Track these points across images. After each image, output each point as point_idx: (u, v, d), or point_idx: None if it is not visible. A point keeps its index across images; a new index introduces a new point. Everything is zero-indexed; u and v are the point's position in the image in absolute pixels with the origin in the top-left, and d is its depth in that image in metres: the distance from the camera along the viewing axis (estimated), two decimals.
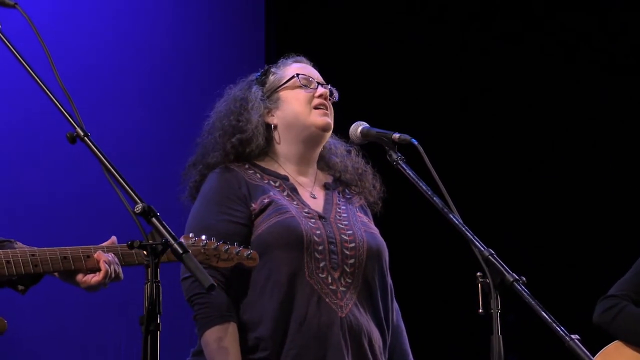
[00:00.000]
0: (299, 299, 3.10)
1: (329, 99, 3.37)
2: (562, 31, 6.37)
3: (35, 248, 2.85)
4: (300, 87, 3.34)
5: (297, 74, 3.35)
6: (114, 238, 2.92)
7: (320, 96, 3.33)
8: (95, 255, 2.83)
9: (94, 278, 2.83)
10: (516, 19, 6.41)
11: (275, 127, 3.34)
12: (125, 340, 5.00)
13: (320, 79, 3.41)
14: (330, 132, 3.37)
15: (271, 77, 3.39)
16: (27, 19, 2.64)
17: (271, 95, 3.35)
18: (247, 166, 3.30)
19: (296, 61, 3.44)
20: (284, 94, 3.35)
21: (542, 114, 6.36)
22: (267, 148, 3.35)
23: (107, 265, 2.81)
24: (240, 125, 3.29)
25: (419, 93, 6.29)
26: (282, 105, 3.33)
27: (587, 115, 6.28)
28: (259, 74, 3.43)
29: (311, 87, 3.35)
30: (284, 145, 3.34)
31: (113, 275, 2.83)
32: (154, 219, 2.36)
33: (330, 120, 3.34)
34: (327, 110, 3.33)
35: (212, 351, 3.05)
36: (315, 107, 3.32)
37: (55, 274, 2.88)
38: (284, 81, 3.36)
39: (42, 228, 4.84)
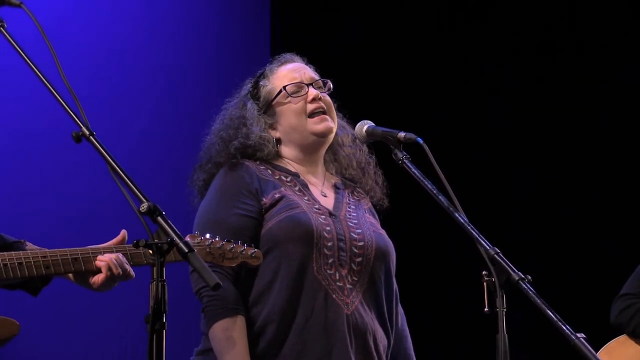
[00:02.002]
0: (306, 293, 3.12)
1: (324, 93, 3.36)
2: (568, 30, 6.36)
3: (46, 249, 2.85)
4: (290, 97, 3.33)
5: (284, 87, 3.33)
6: (124, 232, 2.92)
7: (313, 100, 3.32)
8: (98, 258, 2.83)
9: (100, 277, 2.83)
10: (521, 17, 6.40)
11: (279, 139, 3.34)
12: (130, 339, 5.01)
13: (310, 76, 3.38)
14: (333, 133, 3.36)
15: (262, 90, 3.37)
16: (32, 18, 2.65)
17: (267, 109, 3.35)
18: (258, 162, 3.31)
19: (282, 63, 3.41)
20: (278, 108, 3.34)
21: (548, 112, 6.36)
22: (276, 153, 3.36)
23: (103, 263, 2.80)
24: (240, 136, 3.29)
25: (424, 91, 6.29)
26: (280, 119, 3.33)
27: (593, 113, 6.27)
28: (250, 85, 3.42)
29: (302, 93, 3.33)
30: (290, 153, 3.36)
31: (121, 273, 2.82)
32: (159, 218, 2.36)
33: (330, 124, 3.33)
34: (324, 113, 3.33)
35: (220, 343, 3.07)
36: (312, 114, 3.31)
37: (69, 275, 2.89)
38: (274, 95, 3.34)
39: (48, 227, 4.85)
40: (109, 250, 2.85)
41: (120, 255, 2.84)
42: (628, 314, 4.15)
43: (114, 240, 2.91)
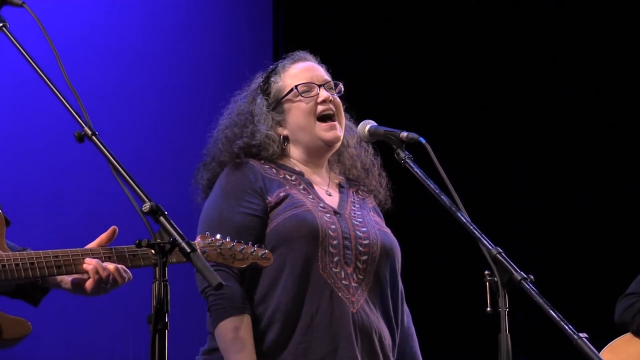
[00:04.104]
0: (312, 291, 3.12)
1: (335, 95, 3.36)
2: (572, 30, 6.35)
3: (50, 251, 2.83)
4: (301, 96, 3.32)
5: (296, 86, 3.32)
6: (114, 228, 2.89)
7: (323, 102, 3.31)
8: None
9: (89, 281, 2.82)
10: (525, 17, 6.40)
11: (287, 137, 3.34)
12: (133, 339, 5.01)
13: (322, 77, 3.37)
14: (340, 141, 3.36)
15: (273, 87, 3.35)
16: (34, 18, 2.65)
17: (276, 106, 3.34)
18: (262, 161, 3.31)
19: (295, 61, 3.40)
20: (287, 106, 3.33)
21: (552, 111, 6.35)
22: (282, 152, 3.36)
23: (90, 266, 2.79)
24: (245, 136, 3.29)
25: (427, 91, 6.29)
26: (288, 117, 3.33)
27: (596, 112, 6.27)
28: (261, 79, 3.41)
29: (312, 93, 3.32)
30: (296, 152, 3.36)
31: (109, 276, 2.80)
32: (161, 218, 2.36)
33: (338, 132, 3.33)
34: (332, 119, 3.31)
35: (227, 342, 3.07)
36: (321, 117, 3.30)
37: (67, 285, 2.88)
38: (284, 93, 3.33)
39: (50, 228, 4.85)
40: (97, 253, 2.83)
41: (97, 261, 2.81)
42: (631, 312, 4.16)
43: (102, 237, 2.88)
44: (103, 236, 2.88)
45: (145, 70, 5.40)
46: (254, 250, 3.00)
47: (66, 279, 2.88)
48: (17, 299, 2.92)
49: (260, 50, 5.84)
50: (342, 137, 3.35)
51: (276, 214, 3.18)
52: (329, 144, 3.33)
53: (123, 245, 2.87)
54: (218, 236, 2.96)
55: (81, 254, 2.81)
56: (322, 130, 3.30)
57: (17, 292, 2.90)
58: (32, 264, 2.77)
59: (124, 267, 2.83)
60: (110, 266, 2.80)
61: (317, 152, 3.35)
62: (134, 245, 2.69)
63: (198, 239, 2.93)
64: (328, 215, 3.21)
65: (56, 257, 2.79)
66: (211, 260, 2.91)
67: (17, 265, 2.76)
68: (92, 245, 2.86)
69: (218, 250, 2.94)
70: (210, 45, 5.72)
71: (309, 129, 3.30)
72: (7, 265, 2.75)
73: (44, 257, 2.78)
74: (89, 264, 2.79)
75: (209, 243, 2.93)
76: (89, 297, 2.87)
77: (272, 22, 6.00)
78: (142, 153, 5.18)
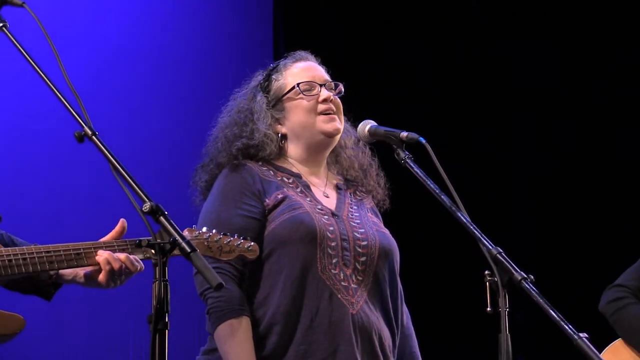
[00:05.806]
0: (311, 293, 3.12)
1: (335, 95, 3.37)
2: (572, 30, 6.36)
3: (50, 245, 2.84)
4: (302, 95, 3.33)
5: (298, 84, 3.33)
6: (123, 221, 2.90)
7: (324, 101, 3.32)
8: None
9: (102, 273, 2.83)
10: (525, 17, 6.40)
11: (285, 135, 3.34)
12: (133, 339, 5.01)
13: (323, 77, 3.38)
14: (340, 134, 3.37)
15: (274, 84, 3.36)
16: (35, 18, 2.65)
17: (276, 104, 3.34)
18: (260, 163, 3.31)
19: (297, 60, 3.41)
20: (288, 104, 3.33)
21: (549, 111, 6.36)
22: (279, 151, 3.36)
23: (102, 258, 2.81)
24: (244, 135, 3.29)
25: (427, 91, 6.29)
26: (288, 115, 3.33)
27: (593, 111, 6.27)
28: (262, 77, 3.41)
29: (314, 92, 3.33)
30: (295, 151, 3.36)
31: (123, 267, 2.81)
32: (161, 218, 2.36)
33: (338, 125, 3.34)
34: (333, 114, 3.33)
35: (226, 345, 3.07)
36: (321, 113, 3.31)
37: (79, 280, 2.89)
38: (286, 91, 3.34)
39: (50, 228, 4.85)
40: (111, 245, 2.85)
41: (109, 252, 2.83)
42: (614, 307, 4.16)
43: (114, 231, 2.90)
44: (113, 232, 2.90)
45: (145, 70, 5.40)
46: (240, 242, 3.00)
47: (80, 273, 2.89)
48: (30, 294, 2.93)
49: (261, 49, 5.84)
50: (342, 130, 3.36)
51: (274, 216, 3.18)
52: (330, 136, 3.33)
53: None
54: (204, 229, 2.96)
55: (93, 247, 2.82)
56: (322, 123, 3.31)
57: (29, 287, 2.91)
58: (48, 255, 2.78)
59: (136, 257, 2.84)
60: (122, 256, 2.81)
61: (317, 147, 3.35)
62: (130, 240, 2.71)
63: (185, 232, 2.93)
64: (326, 217, 3.21)
65: (68, 249, 2.80)
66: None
67: (24, 259, 2.77)
68: (104, 239, 2.88)
69: (205, 244, 2.94)
70: (210, 45, 5.72)
71: (309, 125, 3.31)
72: (13, 260, 2.76)
73: (53, 250, 2.79)
74: (101, 255, 2.81)
75: (196, 236, 2.94)
76: (104, 289, 2.88)
77: (272, 22, 6.00)
78: (142, 153, 5.18)
